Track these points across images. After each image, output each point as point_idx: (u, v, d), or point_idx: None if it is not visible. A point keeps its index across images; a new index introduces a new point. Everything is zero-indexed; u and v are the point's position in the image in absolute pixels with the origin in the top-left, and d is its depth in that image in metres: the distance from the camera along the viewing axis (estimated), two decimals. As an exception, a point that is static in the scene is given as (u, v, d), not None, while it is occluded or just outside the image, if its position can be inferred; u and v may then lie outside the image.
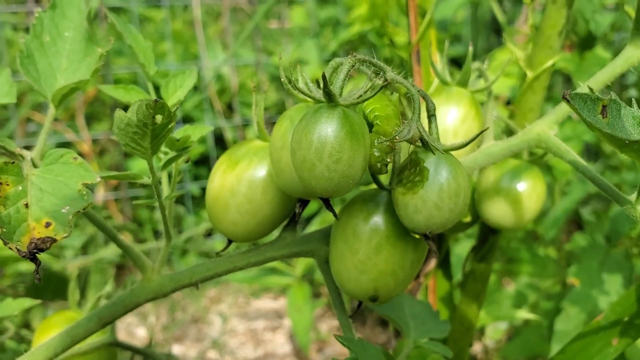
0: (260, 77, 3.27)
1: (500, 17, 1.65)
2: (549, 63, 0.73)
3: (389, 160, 0.50)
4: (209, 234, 2.53)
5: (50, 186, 0.49)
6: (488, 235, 0.82)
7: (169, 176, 0.63)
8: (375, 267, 0.54)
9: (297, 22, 3.26)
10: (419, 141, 0.49)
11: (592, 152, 2.20)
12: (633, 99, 0.48)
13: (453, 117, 0.66)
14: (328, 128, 0.45)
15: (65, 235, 0.45)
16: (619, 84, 1.75)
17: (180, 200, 2.74)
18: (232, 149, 0.60)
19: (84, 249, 2.16)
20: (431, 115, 0.50)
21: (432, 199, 0.49)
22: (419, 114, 0.48)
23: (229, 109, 3.30)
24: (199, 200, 3.05)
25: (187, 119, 3.17)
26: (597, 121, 0.39)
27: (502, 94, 1.59)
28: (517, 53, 0.75)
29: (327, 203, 0.49)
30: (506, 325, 1.60)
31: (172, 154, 0.55)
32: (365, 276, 0.54)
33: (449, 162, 0.49)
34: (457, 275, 1.00)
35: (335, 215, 0.50)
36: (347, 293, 0.56)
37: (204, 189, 3.06)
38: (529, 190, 0.71)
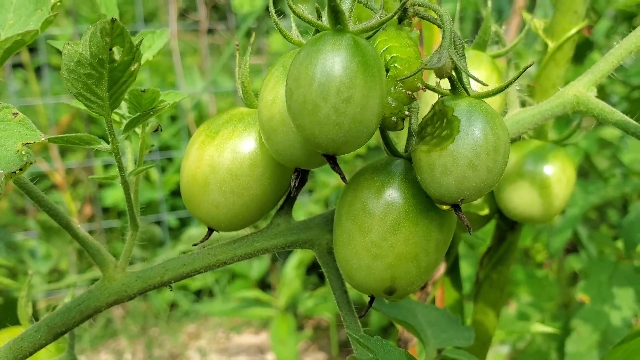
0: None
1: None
2: (574, 30, 0.64)
3: (407, 113, 0.40)
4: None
5: (-20, 148, 0.38)
6: (506, 233, 0.72)
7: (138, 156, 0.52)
8: (392, 249, 0.43)
9: (275, 48, 3.19)
10: (449, 82, 0.39)
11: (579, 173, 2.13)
12: None
13: (471, 83, 0.56)
14: (335, 57, 0.35)
15: (-8, 201, 0.34)
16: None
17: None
18: (212, 118, 0.50)
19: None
20: (461, 56, 0.40)
21: (466, 154, 0.38)
22: (451, 39, 0.38)
23: (208, 137, 3.20)
24: (176, 232, 2.93)
25: (164, 148, 3.06)
26: None
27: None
28: (535, 22, 0.66)
29: (333, 161, 0.38)
30: (508, 349, 1.49)
31: (138, 114, 0.44)
32: (380, 262, 0.43)
33: (484, 110, 0.39)
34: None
35: (343, 177, 0.39)
36: (357, 286, 0.45)
37: (181, 220, 2.95)
38: (558, 173, 0.62)
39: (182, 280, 0.51)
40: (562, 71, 0.65)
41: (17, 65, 3.02)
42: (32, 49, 2.99)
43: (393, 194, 0.43)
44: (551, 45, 0.65)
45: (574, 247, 2.11)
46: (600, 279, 1.25)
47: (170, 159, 3.11)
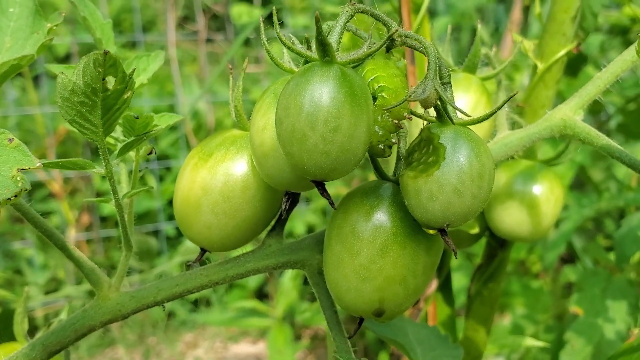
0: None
1: (485, 37, 1.59)
2: (562, 52, 0.65)
3: (394, 141, 0.41)
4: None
5: (-24, 173, 0.39)
6: (496, 251, 0.73)
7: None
8: (380, 272, 0.44)
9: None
10: (434, 110, 0.40)
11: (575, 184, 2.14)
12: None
13: (461, 105, 0.57)
14: (323, 88, 0.36)
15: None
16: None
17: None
18: (205, 141, 0.51)
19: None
20: (446, 84, 0.41)
21: (451, 181, 0.39)
22: (436, 71, 0.39)
23: (206, 146, 3.20)
24: (173, 241, 2.93)
25: (162, 157, 3.07)
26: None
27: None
28: (525, 44, 0.67)
29: (321, 187, 0.39)
30: (503, 361, 1.49)
31: (131, 139, 0.45)
32: (368, 284, 0.44)
33: (469, 138, 0.40)
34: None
35: (331, 202, 0.40)
36: (346, 307, 0.46)
37: (179, 229, 2.96)
38: (547, 193, 0.63)
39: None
40: (552, 92, 0.66)
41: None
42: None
43: (381, 218, 0.44)
44: (540, 66, 0.66)
45: (570, 257, 2.11)
46: (594, 292, 1.26)
47: (168, 168, 3.12)
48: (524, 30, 1.81)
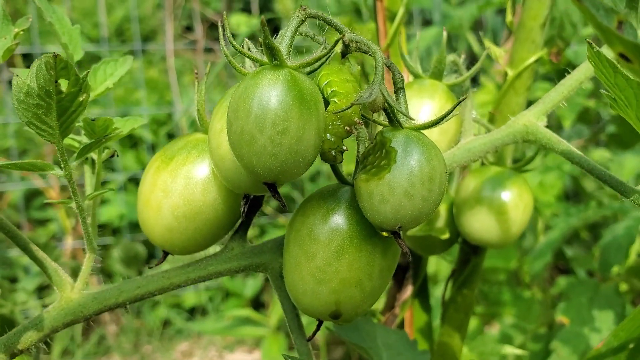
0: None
1: (477, 48, 1.60)
2: (532, 59, 0.66)
3: (345, 147, 0.42)
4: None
5: None
6: (469, 256, 0.73)
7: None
8: (336, 275, 0.44)
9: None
10: (384, 113, 0.40)
11: (569, 195, 2.14)
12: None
13: (426, 112, 0.58)
14: (271, 91, 0.37)
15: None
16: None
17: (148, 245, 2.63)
18: (168, 144, 0.52)
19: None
20: (399, 89, 0.42)
21: (402, 184, 0.40)
22: (383, 75, 0.39)
23: (203, 154, 3.22)
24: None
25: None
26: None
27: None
28: (495, 50, 0.68)
29: (273, 189, 0.40)
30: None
31: (90, 142, 0.45)
32: (324, 287, 0.44)
33: (420, 142, 0.41)
34: (437, 319, 0.90)
35: (283, 204, 0.41)
36: (304, 310, 0.46)
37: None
38: (515, 199, 0.63)
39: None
40: (522, 99, 0.67)
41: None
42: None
43: (337, 220, 0.45)
44: (510, 73, 0.66)
45: (566, 267, 2.11)
46: (581, 301, 1.26)
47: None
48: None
